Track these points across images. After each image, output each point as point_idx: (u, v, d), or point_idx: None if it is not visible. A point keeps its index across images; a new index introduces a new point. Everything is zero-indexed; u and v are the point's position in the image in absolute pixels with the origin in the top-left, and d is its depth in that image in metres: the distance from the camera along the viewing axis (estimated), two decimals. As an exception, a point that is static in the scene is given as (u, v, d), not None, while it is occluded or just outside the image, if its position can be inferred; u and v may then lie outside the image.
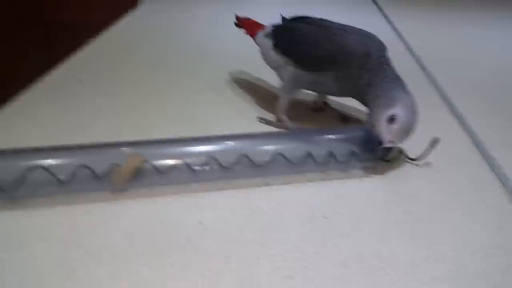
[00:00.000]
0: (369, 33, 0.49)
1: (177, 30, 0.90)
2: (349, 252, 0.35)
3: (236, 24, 0.63)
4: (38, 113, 0.53)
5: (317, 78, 0.49)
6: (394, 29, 0.99)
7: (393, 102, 0.42)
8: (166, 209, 0.39)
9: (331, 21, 0.51)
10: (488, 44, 0.96)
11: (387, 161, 0.46)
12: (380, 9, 1.16)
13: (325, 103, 0.59)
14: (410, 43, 0.89)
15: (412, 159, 0.48)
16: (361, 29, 0.49)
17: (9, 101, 0.55)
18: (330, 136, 0.46)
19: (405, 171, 0.47)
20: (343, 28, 0.49)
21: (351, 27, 0.49)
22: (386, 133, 0.43)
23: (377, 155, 0.45)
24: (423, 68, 0.77)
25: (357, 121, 0.56)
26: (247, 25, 0.61)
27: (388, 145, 0.43)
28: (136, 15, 0.99)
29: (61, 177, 0.37)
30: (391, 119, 0.42)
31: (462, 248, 0.37)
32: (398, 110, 0.42)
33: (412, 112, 0.43)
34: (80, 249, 0.34)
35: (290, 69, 0.51)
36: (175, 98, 0.60)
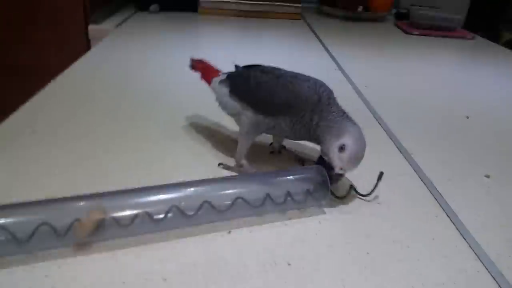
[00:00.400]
0: (318, 80, 0.53)
1: (131, 74, 0.90)
2: (312, 298, 0.36)
3: (191, 67, 0.64)
4: (-12, 167, 0.51)
5: (274, 123, 0.52)
6: (342, 70, 1.04)
7: (342, 133, 0.47)
8: (128, 265, 0.38)
9: (284, 70, 0.54)
10: (430, 82, 1.04)
11: (340, 198, 0.50)
12: (328, 51, 1.23)
13: (282, 146, 0.61)
14: (356, 83, 0.94)
15: (363, 195, 0.51)
16: (310, 77, 0.53)
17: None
18: (287, 177, 0.48)
19: (359, 209, 0.49)
20: (296, 76, 0.52)
21: (302, 75, 0.53)
22: (337, 161, 0.47)
23: (330, 192, 0.48)
24: (369, 107, 0.82)
25: (312, 162, 0.58)
26: (202, 70, 0.63)
27: (339, 171, 0.48)
28: (88, 60, 0.98)
29: (19, 235, 0.36)
30: (341, 148, 0.47)
31: (418, 285, 0.39)
32: (347, 140, 0.47)
33: (360, 141, 0.48)
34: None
35: (248, 115, 0.53)
36: (131, 145, 0.60)
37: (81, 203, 0.40)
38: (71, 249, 0.39)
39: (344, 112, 0.50)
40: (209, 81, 0.60)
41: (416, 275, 0.40)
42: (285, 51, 1.20)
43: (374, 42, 1.39)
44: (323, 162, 0.49)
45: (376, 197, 0.52)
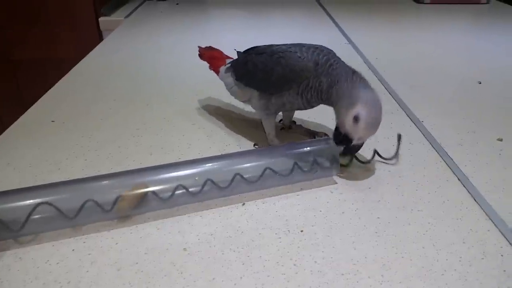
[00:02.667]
0: (314, 45, 0.52)
1: (143, 62, 0.92)
2: (325, 260, 0.38)
3: (200, 56, 0.65)
4: (16, 156, 0.54)
5: (282, 100, 0.53)
6: (352, 44, 1.04)
7: (355, 101, 0.46)
8: (149, 237, 0.41)
9: (277, 45, 0.54)
10: (442, 50, 1.02)
11: (365, 163, 0.52)
12: (337, 25, 1.22)
13: (292, 122, 0.62)
14: (367, 55, 0.94)
15: (386, 159, 0.52)
16: (305, 44, 0.52)
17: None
18: (296, 150, 0.49)
19: (371, 178, 0.50)
20: (288, 48, 0.52)
21: (296, 44, 0.52)
22: (354, 132, 0.47)
23: (355, 158, 0.50)
24: (380, 78, 0.82)
25: (322, 134, 0.59)
26: (209, 60, 0.63)
27: (357, 142, 0.48)
28: (100, 51, 1.00)
29: (66, 211, 0.40)
30: (355, 119, 0.46)
31: (429, 246, 0.40)
32: (360, 109, 0.46)
33: (373, 105, 0.46)
34: (71, 285, 0.35)
35: (257, 99, 0.55)
36: (148, 128, 0.62)
37: (103, 183, 0.43)
38: (94, 227, 0.42)
39: (354, 72, 0.49)
40: (217, 72, 0.62)
41: (427, 237, 0.41)
42: (294, 29, 1.20)
43: (385, 14, 1.37)
44: (339, 134, 0.49)
45: (387, 165, 0.53)
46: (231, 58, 0.62)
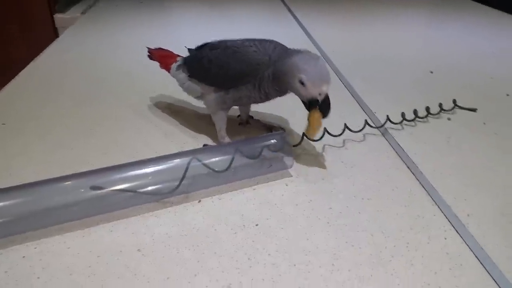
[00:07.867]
0: (264, 39, 0.53)
1: (99, 59, 0.90)
2: (278, 253, 0.39)
3: (149, 57, 0.64)
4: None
5: (238, 94, 0.53)
6: (309, 37, 1.05)
7: (293, 69, 0.47)
8: (102, 240, 0.40)
9: (231, 40, 0.54)
10: (398, 41, 1.05)
11: (316, 140, 0.54)
12: (297, 20, 1.23)
13: (250, 117, 0.62)
14: (324, 49, 0.96)
15: (335, 136, 0.56)
16: (258, 39, 0.53)
17: None
18: (253, 145, 0.50)
19: (325, 170, 0.52)
20: (243, 43, 0.52)
21: (250, 39, 0.53)
22: (310, 94, 0.48)
23: (305, 136, 0.52)
24: (335, 70, 0.83)
25: (279, 128, 0.60)
26: (160, 58, 0.63)
27: (321, 98, 0.48)
28: (55, 48, 0.97)
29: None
30: (302, 83, 0.47)
31: (378, 234, 0.42)
32: (298, 73, 0.47)
33: (311, 63, 0.47)
34: (20, 295, 0.35)
35: (212, 94, 0.55)
36: (102, 128, 0.61)
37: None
38: (44, 230, 0.41)
39: (299, 50, 0.50)
40: (168, 69, 0.61)
41: (376, 225, 0.43)
42: (256, 24, 1.20)
43: (344, 7, 1.39)
44: (305, 104, 0.49)
45: (340, 156, 0.54)
46: (182, 56, 0.62)
